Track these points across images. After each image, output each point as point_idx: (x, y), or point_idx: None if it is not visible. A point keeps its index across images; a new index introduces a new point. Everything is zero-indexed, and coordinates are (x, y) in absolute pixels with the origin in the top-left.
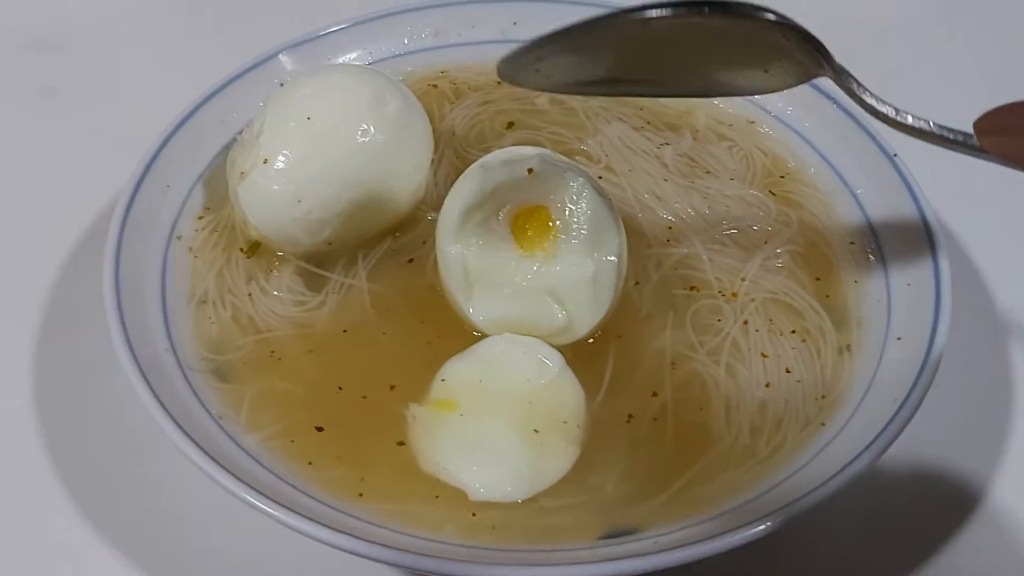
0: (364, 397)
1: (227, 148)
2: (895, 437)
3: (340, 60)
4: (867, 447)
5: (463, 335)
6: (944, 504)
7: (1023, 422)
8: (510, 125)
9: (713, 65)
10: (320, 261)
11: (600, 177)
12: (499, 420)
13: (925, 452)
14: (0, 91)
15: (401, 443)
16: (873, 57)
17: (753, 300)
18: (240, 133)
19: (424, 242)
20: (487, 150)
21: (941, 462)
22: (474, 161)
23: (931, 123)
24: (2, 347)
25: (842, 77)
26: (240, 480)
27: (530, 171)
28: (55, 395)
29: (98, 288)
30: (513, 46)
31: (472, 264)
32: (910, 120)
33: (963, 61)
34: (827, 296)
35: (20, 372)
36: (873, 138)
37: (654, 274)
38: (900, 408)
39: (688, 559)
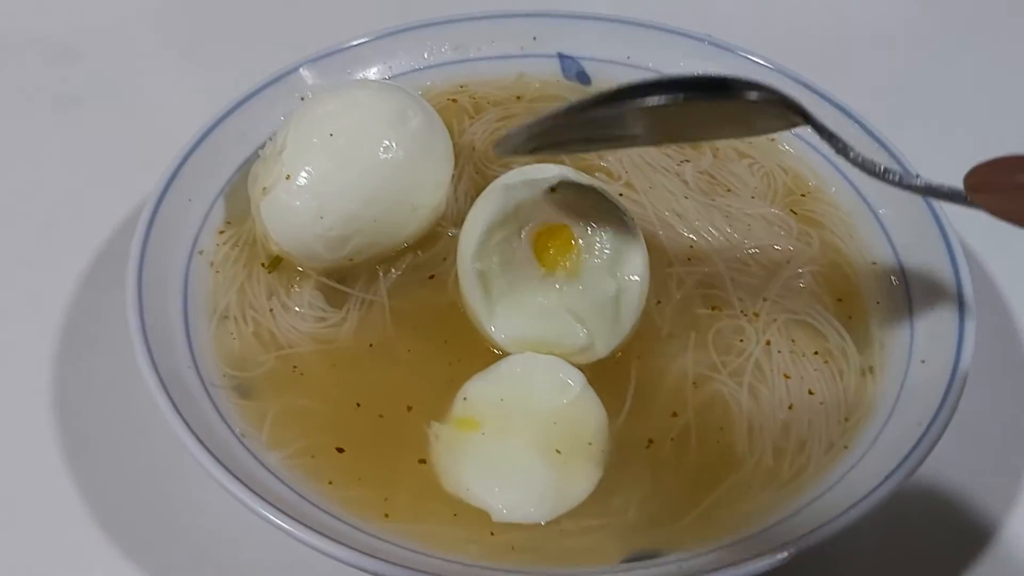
0: (384, 415)
1: (248, 162)
2: (920, 462)
3: (360, 74)
4: (892, 472)
5: (484, 353)
6: (964, 529)
7: None
8: None
9: (702, 123)
10: (341, 277)
11: (621, 194)
12: (521, 440)
13: (944, 473)
14: (20, 100)
15: (423, 461)
16: (870, 71)
17: (775, 320)
18: (262, 148)
19: (444, 258)
20: (506, 166)
21: (961, 484)
22: (494, 176)
23: (920, 179)
24: (21, 361)
25: (824, 135)
26: (267, 502)
27: (552, 190)
28: (75, 411)
29: (117, 301)
30: (512, 129)
31: (494, 283)
32: (898, 177)
33: (961, 79)
34: (849, 317)
35: (39, 387)
36: (896, 158)
37: (675, 293)
38: (926, 432)
39: None
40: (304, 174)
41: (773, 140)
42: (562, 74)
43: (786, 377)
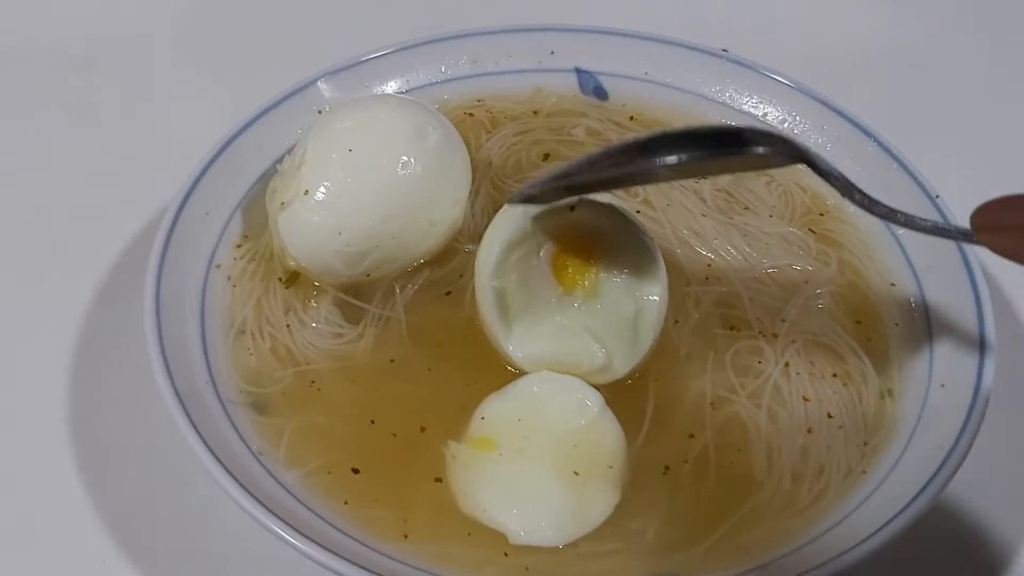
0: (402, 434)
1: (265, 175)
2: (941, 489)
3: (378, 87)
4: (913, 499)
5: (501, 371)
6: (982, 556)
7: None
8: (546, 156)
9: (710, 167)
10: (358, 292)
11: (638, 211)
12: (539, 462)
13: (964, 496)
14: (36, 109)
15: (439, 480)
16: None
17: (794, 342)
18: (280, 162)
19: (461, 275)
20: (523, 181)
21: (980, 508)
22: (511, 192)
23: (927, 220)
24: (37, 374)
25: (828, 179)
26: (286, 523)
27: (571, 208)
28: (90, 425)
29: (133, 314)
30: (524, 187)
31: (512, 301)
32: (903, 219)
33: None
34: (868, 339)
35: (54, 400)
36: (915, 178)
37: (693, 313)
38: (947, 458)
39: None
40: (322, 189)
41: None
42: (579, 89)
43: (805, 400)
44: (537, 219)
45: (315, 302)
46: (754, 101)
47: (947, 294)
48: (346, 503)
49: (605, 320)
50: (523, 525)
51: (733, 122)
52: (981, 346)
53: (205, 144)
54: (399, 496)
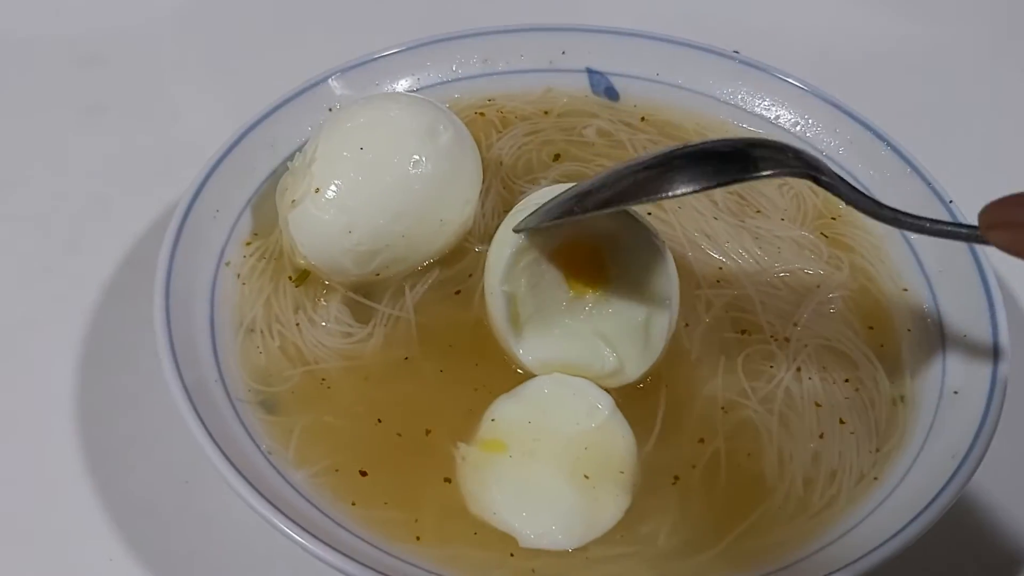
0: (409, 434)
1: (275, 173)
2: (955, 497)
3: (389, 85)
4: (926, 507)
5: (511, 373)
6: (993, 564)
7: None
8: (557, 157)
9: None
10: (367, 291)
11: (649, 214)
12: (549, 464)
13: (976, 503)
14: (46, 105)
15: (448, 479)
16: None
17: (806, 346)
18: (290, 159)
19: (471, 275)
20: (534, 181)
21: (993, 516)
22: (521, 193)
23: (935, 221)
24: (45, 371)
25: (833, 191)
26: (297, 524)
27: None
28: (98, 422)
29: (142, 311)
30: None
31: (522, 304)
32: (909, 223)
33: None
34: (881, 345)
35: (62, 398)
36: (928, 183)
37: (704, 316)
38: (960, 465)
39: None
40: (333, 187)
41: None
42: (590, 89)
43: (817, 405)
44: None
45: (325, 301)
46: (767, 103)
47: (960, 299)
48: (353, 504)
49: (616, 324)
50: (533, 528)
51: (745, 124)
52: (995, 352)
53: (215, 141)
54: (409, 497)
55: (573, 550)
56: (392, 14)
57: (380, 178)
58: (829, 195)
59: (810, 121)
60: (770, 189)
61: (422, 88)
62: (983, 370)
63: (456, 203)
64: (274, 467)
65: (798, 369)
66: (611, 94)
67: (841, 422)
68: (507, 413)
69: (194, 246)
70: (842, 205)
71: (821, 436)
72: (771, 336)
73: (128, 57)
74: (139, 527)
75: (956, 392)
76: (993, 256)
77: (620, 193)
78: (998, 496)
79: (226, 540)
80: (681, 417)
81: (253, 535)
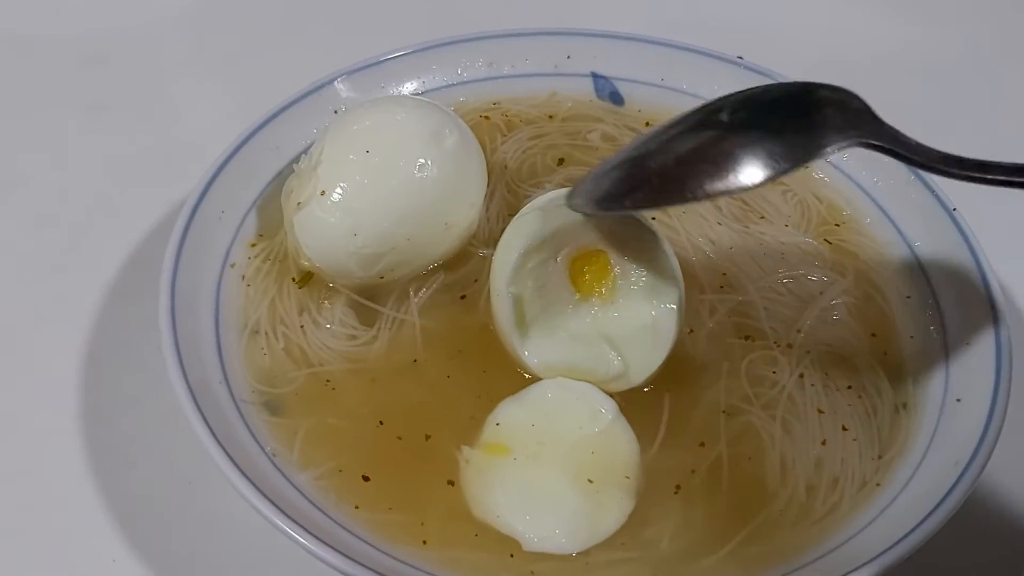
0: (415, 437)
1: (281, 175)
2: (958, 505)
3: (394, 88)
4: (929, 515)
5: (515, 376)
6: (998, 568)
7: None
8: (561, 161)
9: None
10: (372, 294)
11: (653, 218)
12: (553, 468)
13: (978, 511)
14: (51, 105)
15: (451, 482)
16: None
17: (809, 352)
18: (296, 161)
19: (476, 279)
20: (538, 185)
21: (995, 525)
22: (526, 196)
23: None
24: (49, 371)
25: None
26: (302, 527)
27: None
28: (102, 422)
29: (146, 311)
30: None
31: (528, 307)
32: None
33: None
34: (884, 353)
35: (66, 397)
36: (932, 191)
37: (708, 321)
38: (963, 473)
39: None
40: (339, 190)
41: (808, 168)
42: (595, 94)
43: (819, 411)
44: (555, 225)
45: (329, 303)
46: None
47: (964, 308)
48: (357, 507)
49: (622, 327)
50: (537, 532)
51: None
52: (998, 360)
53: (218, 142)
54: (414, 501)
55: (576, 554)
56: (398, 17)
57: (386, 181)
58: (833, 202)
59: None
60: (774, 195)
61: (427, 91)
62: (986, 378)
63: (461, 206)
64: (278, 469)
65: (801, 375)
66: (616, 99)
67: (844, 429)
68: (511, 417)
69: (199, 247)
70: (847, 212)
71: (824, 442)
72: (774, 342)
73: (131, 57)
74: (142, 527)
75: (959, 400)
76: (997, 264)
77: (674, 179)
78: (1001, 503)
79: (229, 541)
80: (684, 422)
81: (256, 536)
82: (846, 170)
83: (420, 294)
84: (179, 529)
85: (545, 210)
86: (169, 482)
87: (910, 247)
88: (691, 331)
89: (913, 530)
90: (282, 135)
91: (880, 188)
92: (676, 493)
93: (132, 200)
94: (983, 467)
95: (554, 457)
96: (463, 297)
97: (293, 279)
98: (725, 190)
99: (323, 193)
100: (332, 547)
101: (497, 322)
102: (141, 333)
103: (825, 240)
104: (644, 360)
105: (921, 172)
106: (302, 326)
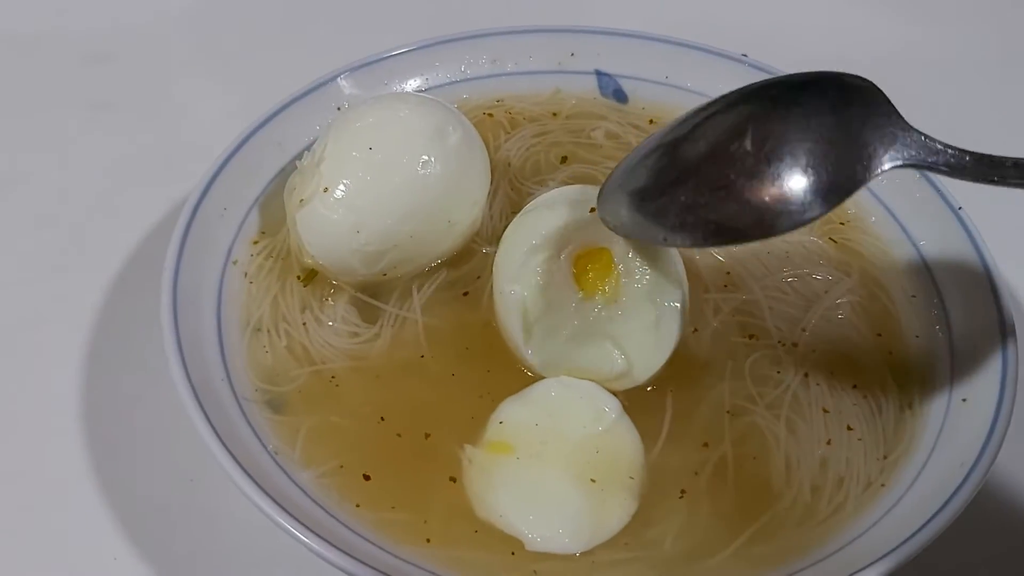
0: (418, 435)
1: (283, 172)
2: (964, 506)
3: (398, 85)
4: (934, 515)
5: (518, 375)
6: (1006, 566)
7: None
8: (564, 159)
9: None
10: (374, 292)
11: None
12: (556, 468)
13: (983, 511)
14: (54, 103)
15: (453, 479)
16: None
17: (814, 352)
18: (299, 158)
19: (478, 276)
20: (542, 183)
21: (1000, 525)
22: (529, 194)
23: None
24: (51, 369)
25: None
26: (306, 527)
27: (593, 210)
28: (104, 421)
29: (148, 308)
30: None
31: (531, 305)
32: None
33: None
34: (889, 352)
35: (68, 395)
36: (937, 190)
37: (712, 320)
38: (969, 474)
39: None
40: (342, 187)
41: None
42: (599, 91)
43: (824, 411)
44: (559, 222)
45: (332, 300)
46: None
47: (969, 308)
48: (358, 505)
49: (625, 326)
50: (540, 531)
51: None
52: (1004, 361)
53: (222, 139)
54: (417, 499)
55: (579, 554)
56: (401, 14)
57: (389, 178)
58: None
59: None
60: None
61: (431, 88)
62: (992, 378)
63: (464, 204)
64: (280, 467)
65: (805, 375)
66: (620, 96)
67: (849, 428)
68: (514, 416)
69: (202, 244)
70: (851, 211)
71: (828, 442)
72: (779, 341)
73: (135, 55)
74: (144, 526)
75: (964, 400)
76: (1002, 263)
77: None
78: (1007, 504)
79: (230, 539)
80: (688, 422)
81: (258, 534)
82: None
83: (423, 291)
84: (180, 527)
85: (549, 207)
86: (171, 480)
87: (915, 246)
88: (695, 330)
89: (918, 531)
90: (285, 132)
91: (885, 186)
92: (680, 493)
93: (133, 198)
94: (989, 468)
95: (557, 456)
96: (466, 294)
97: (297, 276)
98: (774, 235)
99: (326, 190)
100: (334, 545)
101: (500, 320)
102: (143, 332)
103: (830, 239)
104: (648, 359)
105: (927, 171)
106: (304, 324)
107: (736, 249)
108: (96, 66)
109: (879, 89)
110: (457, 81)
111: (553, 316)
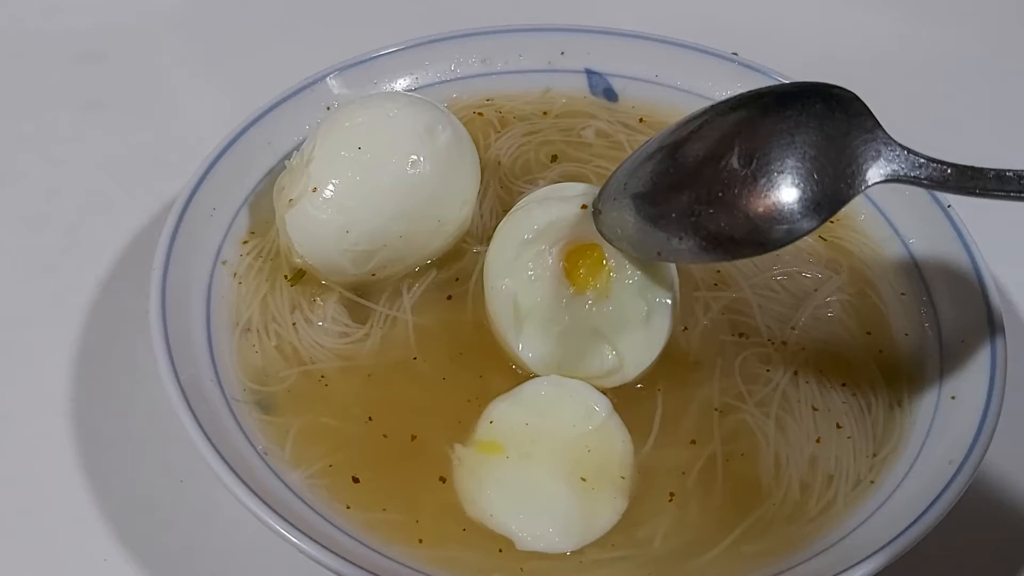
0: (406, 436)
1: (273, 171)
2: (953, 504)
3: (387, 84)
4: (923, 513)
5: (508, 374)
6: (995, 565)
7: None
8: (555, 158)
9: None
10: (364, 292)
11: None
12: (546, 467)
13: (972, 510)
14: (44, 102)
15: (443, 479)
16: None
17: (803, 350)
18: (288, 158)
19: (469, 276)
20: (532, 182)
21: (989, 523)
22: (520, 193)
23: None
24: (39, 369)
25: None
26: (298, 529)
27: (584, 207)
28: (93, 422)
29: (137, 309)
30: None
31: (523, 301)
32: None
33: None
34: (879, 350)
35: (56, 396)
36: (936, 200)
37: (702, 319)
38: (957, 471)
39: None
40: (331, 187)
41: None
42: (589, 90)
43: (814, 409)
44: (550, 219)
45: (321, 300)
46: None
47: (958, 306)
48: (348, 507)
49: (617, 322)
50: (530, 530)
51: None
52: (992, 358)
53: (212, 138)
54: (408, 499)
55: (569, 553)
56: (391, 13)
57: (378, 178)
58: None
59: None
60: None
61: (420, 87)
62: (981, 375)
63: (454, 203)
64: (270, 467)
65: (795, 373)
66: (610, 95)
67: (838, 426)
68: (504, 415)
69: (191, 244)
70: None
71: (818, 440)
72: (768, 339)
73: (126, 53)
74: (134, 526)
75: (954, 397)
76: (991, 260)
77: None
78: (996, 500)
79: (221, 540)
80: (678, 420)
81: (248, 535)
82: None
83: (413, 291)
84: (171, 528)
85: (540, 203)
86: (161, 481)
87: (905, 244)
88: (685, 328)
89: (908, 528)
90: (274, 132)
91: (876, 186)
92: (669, 492)
93: (124, 198)
94: (978, 465)
95: (547, 455)
96: (455, 294)
97: (285, 276)
98: (765, 251)
99: (315, 190)
100: (324, 547)
101: (491, 317)
102: (134, 331)
103: (820, 237)
104: (638, 355)
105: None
106: (294, 324)
107: None
108: (87, 65)
109: (863, 102)
110: (447, 80)
111: (544, 312)
